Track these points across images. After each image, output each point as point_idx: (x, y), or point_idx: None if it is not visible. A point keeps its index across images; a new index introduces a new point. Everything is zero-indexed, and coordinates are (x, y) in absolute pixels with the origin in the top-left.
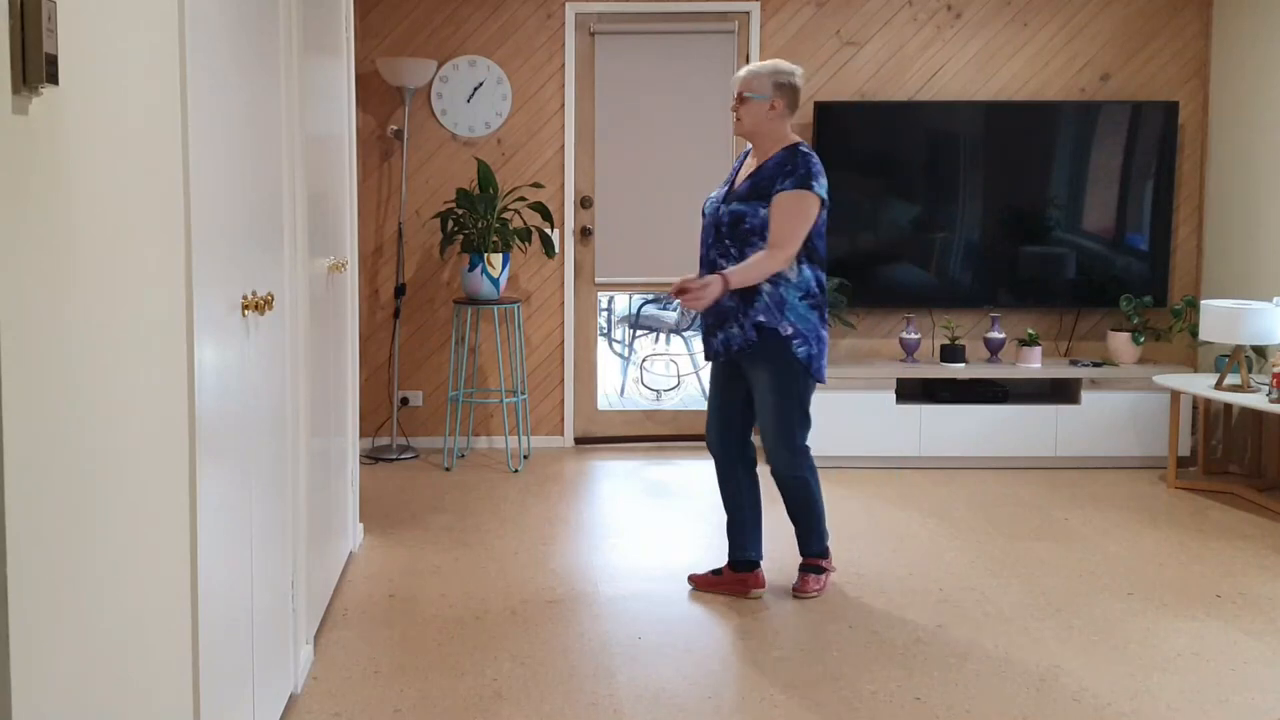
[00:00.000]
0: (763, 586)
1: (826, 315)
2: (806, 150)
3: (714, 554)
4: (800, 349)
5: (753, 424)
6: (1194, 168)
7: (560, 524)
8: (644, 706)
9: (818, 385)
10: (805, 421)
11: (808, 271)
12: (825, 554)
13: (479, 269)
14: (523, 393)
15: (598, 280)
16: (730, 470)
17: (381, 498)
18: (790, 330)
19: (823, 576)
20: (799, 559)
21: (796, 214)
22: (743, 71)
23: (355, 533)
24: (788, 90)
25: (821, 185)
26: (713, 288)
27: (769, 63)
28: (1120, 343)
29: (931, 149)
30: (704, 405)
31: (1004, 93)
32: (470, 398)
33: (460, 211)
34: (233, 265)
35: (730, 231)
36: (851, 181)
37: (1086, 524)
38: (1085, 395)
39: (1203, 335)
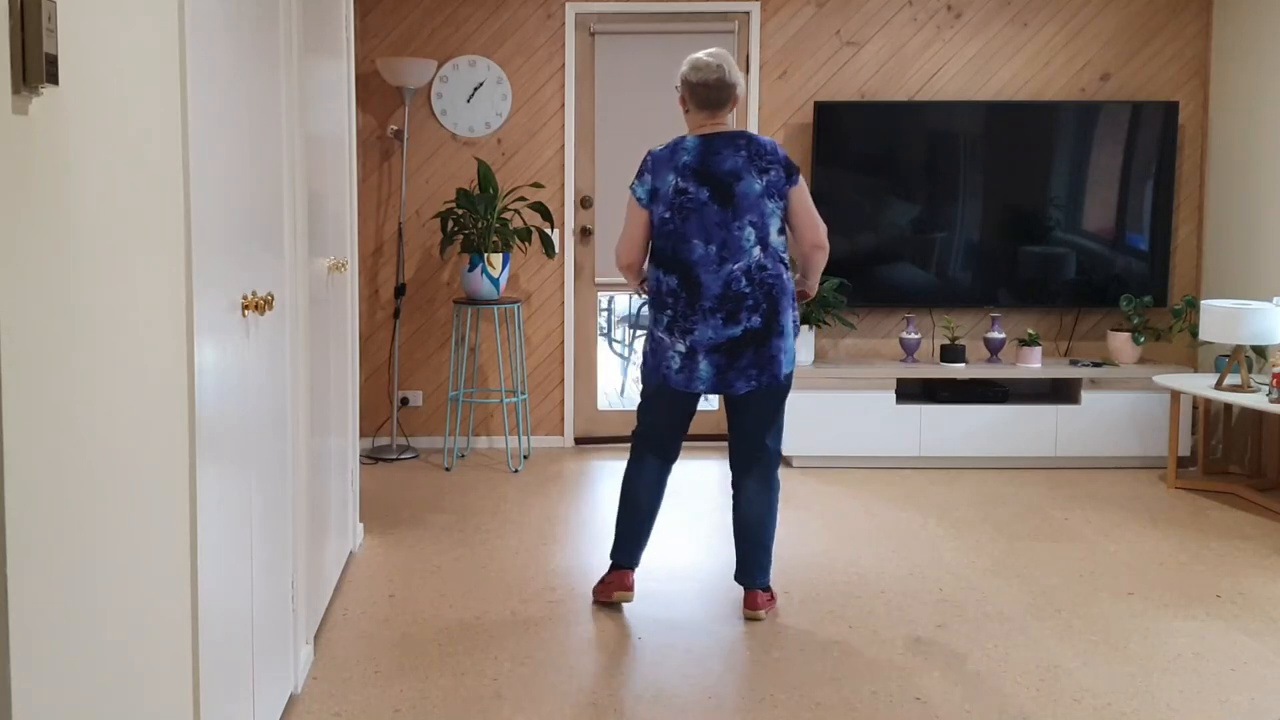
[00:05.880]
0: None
1: (664, 317)
2: (656, 147)
3: (713, 555)
4: (645, 348)
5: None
6: (1194, 168)
7: (560, 524)
8: (644, 706)
9: (672, 389)
10: (644, 415)
11: (651, 272)
12: (613, 564)
13: (479, 269)
14: (523, 393)
15: (598, 280)
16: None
17: (381, 498)
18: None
19: (606, 586)
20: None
21: (625, 215)
22: None
23: (355, 533)
24: (684, 85)
25: (641, 185)
26: None
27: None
28: (1120, 343)
29: (931, 149)
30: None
31: (1004, 93)
32: (470, 398)
33: (460, 211)
34: (233, 265)
35: None
36: (851, 181)
37: (1086, 524)
38: (1085, 395)
39: (1203, 335)
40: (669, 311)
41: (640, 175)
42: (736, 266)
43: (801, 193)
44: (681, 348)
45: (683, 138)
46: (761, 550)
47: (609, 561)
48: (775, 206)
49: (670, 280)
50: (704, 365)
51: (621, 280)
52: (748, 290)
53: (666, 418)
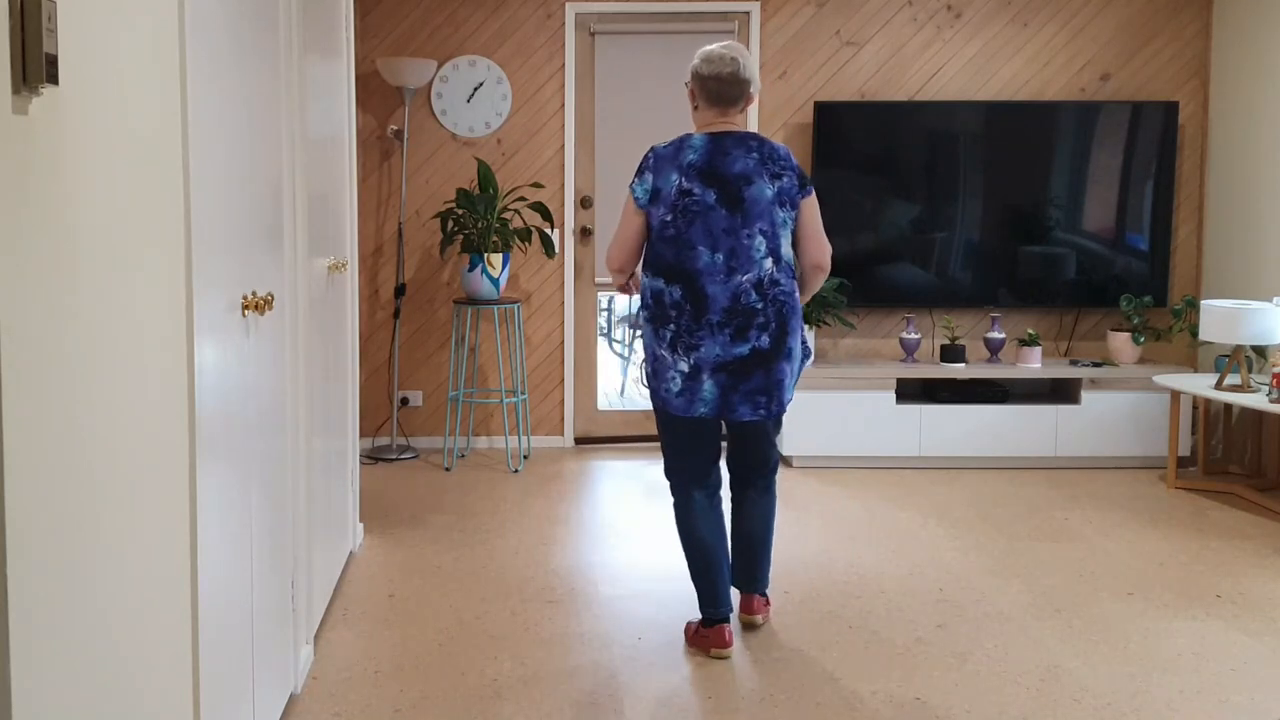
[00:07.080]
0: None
1: (667, 332)
2: (660, 144)
3: None
4: (645, 367)
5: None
6: (1194, 168)
7: (560, 524)
8: (644, 706)
9: (667, 411)
10: (667, 449)
11: (646, 281)
12: (705, 618)
13: (479, 269)
14: (523, 393)
15: (598, 280)
16: None
17: (381, 498)
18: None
19: (701, 639)
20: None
21: (621, 214)
22: None
23: (355, 533)
24: (694, 78)
25: (640, 184)
26: None
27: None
28: (1120, 343)
29: (931, 149)
30: None
31: (1004, 93)
32: (470, 398)
33: (460, 211)
34: (233, 265)
35: None
36: (851, 181)
37: (1086, 524)
38: (1085, 395)
39: (1203, 335)
40: (672, 326)
41: (641, 173)
42: (746, 278)
43: (812, 206)
44: (684, 366)
45: (689, 135)
46: (764, 557)
47: (699, 615)
48: (787, 216)
49: (673, 291)
50: (708, 385)
51: None
52: (759, 306)
53: (691, 444)
